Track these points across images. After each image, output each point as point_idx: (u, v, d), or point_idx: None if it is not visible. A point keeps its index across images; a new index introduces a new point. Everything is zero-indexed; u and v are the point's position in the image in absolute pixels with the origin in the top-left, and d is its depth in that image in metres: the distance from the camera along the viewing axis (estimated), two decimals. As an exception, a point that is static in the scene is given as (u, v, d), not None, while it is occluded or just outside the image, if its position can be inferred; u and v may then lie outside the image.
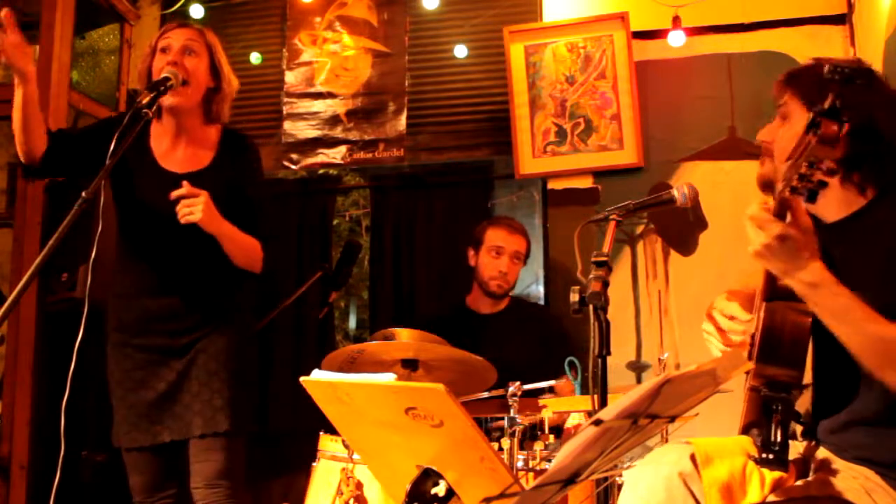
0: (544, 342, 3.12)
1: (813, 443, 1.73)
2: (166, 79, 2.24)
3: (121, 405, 2.33)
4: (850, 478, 1.57)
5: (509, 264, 3.10)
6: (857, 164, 1.60)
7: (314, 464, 2.37)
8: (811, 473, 1.68)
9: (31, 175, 2.47)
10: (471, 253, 3.18)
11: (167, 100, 2.28)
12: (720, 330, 1.79)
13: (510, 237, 3.11)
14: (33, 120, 2.25)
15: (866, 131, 1.58)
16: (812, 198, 1.42)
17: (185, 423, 2.28)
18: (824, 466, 1.64)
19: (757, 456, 1.56)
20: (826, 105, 1.38)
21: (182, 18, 3.98)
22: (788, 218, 1.47)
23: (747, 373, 1.62)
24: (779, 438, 1.53)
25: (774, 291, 1.59)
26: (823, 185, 1.41)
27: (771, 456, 1.52)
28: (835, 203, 1.66)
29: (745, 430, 1.69)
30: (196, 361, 2.31)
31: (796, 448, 1.71)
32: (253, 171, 2.46)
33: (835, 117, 1.38)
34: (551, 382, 2.39)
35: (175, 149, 2.40)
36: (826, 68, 1.44)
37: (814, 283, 1.46)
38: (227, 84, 2.42)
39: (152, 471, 2.37)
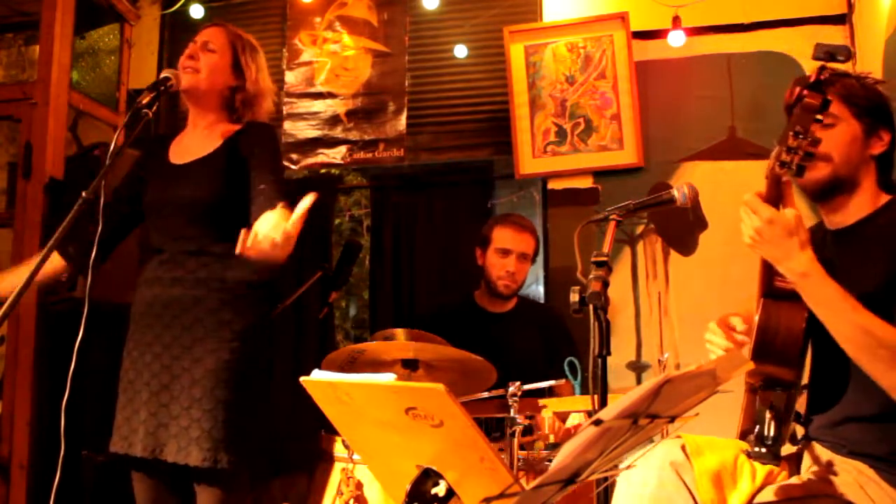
0: (551, 342, 3.11)
1: (804, 440, 1.74)
2: (166, 79, 2.23)
3: (118, 403, 2.26)
4: (845, 472, 1.58)
5: (517, 264, 3.07)
6: (889, 165, 1.73)
7: (321, 463, 2.35)
8: (806, 471, 1.69)
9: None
10: (478, 252, 3.17)
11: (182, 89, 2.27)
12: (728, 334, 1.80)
13: (518, 236, 3.09)
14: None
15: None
16: (800, 173, 1.51)
17: (158, 443, 2.14)
18: (821, 463, 1.64)
19: (750, 449, 1.57)
20: (812, 79, 1.53)
21: (182, 18, 4.00)
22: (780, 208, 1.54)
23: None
24: (773, 432, 1.54)
25: (771, 287, 1.60)
26: (810, 156, 1.50)
27: (764, 449, 1.54)
28: (854, 207, 1.72)
29: (743, 437, 1.70)
30: (180, 380, 2.15)
31: (787, 446, 1.73)
32: (263, 146, 2.27)
33: (818, 90, 1.52)
34: (551, 383, 2.39)
35: (188, 144, 2.36)
36: (814, 48, 1.57)
37: (804, 273, 1.51)
38: (251, 84, 2.33)
39: (148, 480, 2.26)
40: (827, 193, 1.72)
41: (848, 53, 1.55)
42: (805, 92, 1.51)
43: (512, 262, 3.06)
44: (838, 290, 1.51)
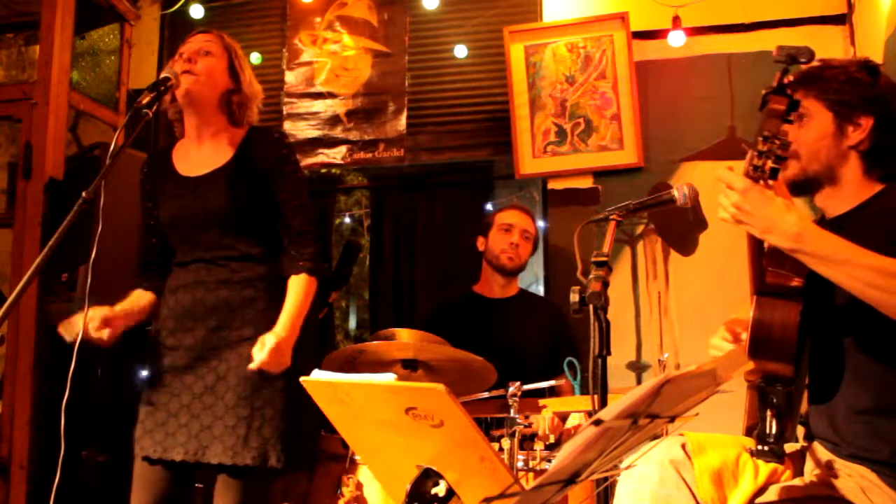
0: (553, 332, 3.12)
1: (807, 440, 1.74)
2: (166, 79, 2.21)
3: (144, 408, 2.22)
4: (847, 476, 1.58)
5: (520, 238, 3.11)
6: (881, 157, 1.67)
7: (321, 463, 2.35)
8: (809, 472, 1.69)
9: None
10: (480, 240, 3.19)
11: (179, 94, 2.25)
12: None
13: (520, 215, 3.14)
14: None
15: (888, 122, 1.66)
16: (773, 175, 1.49)
17: (200, 446, 2.11)
18: (822, 465, 1.64)
19: (753, 447, 1.57)
20: (775, 83, 1.51)
21: (182, 18, 4.00)
22: None
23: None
24: (774, 430, 1.54)
25: (763, 284, 1.60)
26: (782, 159, 1.48)
27: (766, 447, 1.53)
28: (845, 197, 1.70)
29: (749, 433, 1.70)
30: (226, 380, 2.13)
31: (791, 444, 1.72)
32: (280, 159, 2.28)
33: (783, 94, 1.50)
34: (551, 383, 2.39)
35: (196, 155, 2.34)
36: (775, 50, 1.54)
37: (798, 234, 1.47)
38: (247, 86, 2.34)
39: (159, 489, 2.18)
40: (802, 189, 1.71)
41: (810, 55, 1.53)
42: (770, 97, 1.50)
43: (516, 235, 3.10)
44: (839, 240, 1.47)
